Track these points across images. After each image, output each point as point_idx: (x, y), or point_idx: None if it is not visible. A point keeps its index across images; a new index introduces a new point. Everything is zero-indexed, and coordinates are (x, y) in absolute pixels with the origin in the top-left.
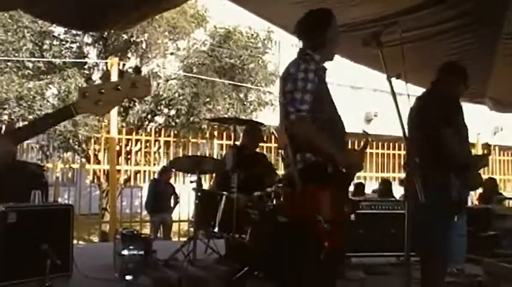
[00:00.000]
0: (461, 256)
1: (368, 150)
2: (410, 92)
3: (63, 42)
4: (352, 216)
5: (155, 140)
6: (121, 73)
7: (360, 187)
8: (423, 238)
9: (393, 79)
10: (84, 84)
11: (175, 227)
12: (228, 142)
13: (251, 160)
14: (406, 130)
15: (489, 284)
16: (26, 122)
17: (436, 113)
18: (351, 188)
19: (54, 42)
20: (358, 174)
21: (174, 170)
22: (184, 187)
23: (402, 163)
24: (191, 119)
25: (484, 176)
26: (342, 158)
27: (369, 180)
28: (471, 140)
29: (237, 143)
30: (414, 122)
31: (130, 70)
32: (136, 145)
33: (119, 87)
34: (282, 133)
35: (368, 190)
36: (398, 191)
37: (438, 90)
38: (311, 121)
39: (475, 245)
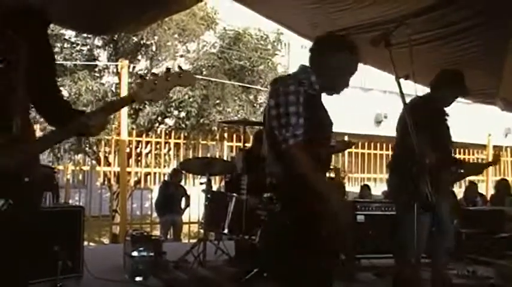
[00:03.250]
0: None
1: (378, 151)
2: (419, 93)
3: (74, 45)
4: (362, 217)
5: (165, 142)
6: (168, 69)
7: (366, 188)
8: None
9: (402, 80)
10: (95, 86)
11: (185, 228)
12: (238, 144)
13: (260, 162)
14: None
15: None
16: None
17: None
18: (357, 190)
19: (65, 45)
20: (368, 175)
21: (184, 171)
22: (194, 189)
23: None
24: (201, 121)
25: (496, 178)
26: (333, 204)
27: (379, 181)
28: (482, 141)
29: (247, 145)
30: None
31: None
32: (146, 147)
33: (169, 78)
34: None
35: (378, 191)
36: None
37: (418, 100)
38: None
39: (488, 248)
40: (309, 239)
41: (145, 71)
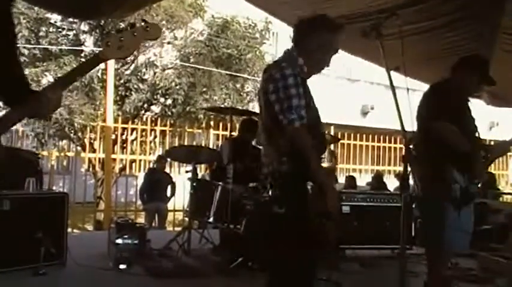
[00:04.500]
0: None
1: (364, 143)
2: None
3: (60, 30)
4: (347, 208)
5: (151, 130)
6: (132, 24)
7: (352, 180)
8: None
9: (392, 72)
10: None
11: (170, 216)
12: (224, 132)
13: (247, 151)
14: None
15: (483, 278)
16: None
17: (431, 105)
18: (343, 181)
19: (51, 29)
20: (354, 166)
21: (169, 159)
22: (180, 177)
23: (399, 156)
24: (187, 108)
25: None
26: (330, 192)
27: (364, 173)
28: None
29: (234, 133)
30: (417, 114)
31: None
32: (132, 134)
33: (135, 33)
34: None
35: (363, 182)
36: (392, 184)
37: (442, 83)
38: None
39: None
40: (303, 229)
41: (132, 57)
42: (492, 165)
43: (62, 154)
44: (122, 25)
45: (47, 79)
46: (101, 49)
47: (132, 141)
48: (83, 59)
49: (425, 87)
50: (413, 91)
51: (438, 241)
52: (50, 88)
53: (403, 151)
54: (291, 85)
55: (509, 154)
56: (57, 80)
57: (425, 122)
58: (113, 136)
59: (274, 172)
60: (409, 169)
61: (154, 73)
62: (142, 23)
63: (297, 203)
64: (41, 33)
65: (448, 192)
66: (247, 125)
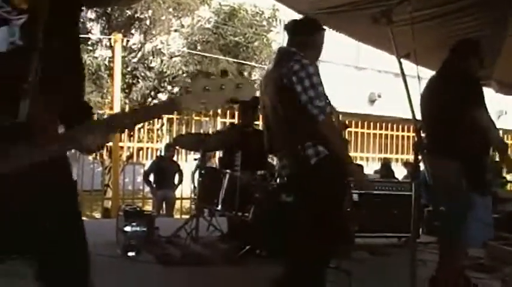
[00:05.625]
0: (478, 242)
1: (371, 131)
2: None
3: None
4: (356, 197)
5: (158, 117)
6: (224, 72)
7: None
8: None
9: (402, 59)
10: (88, 60)
11: (177, 204)
12: (232, 120)
13: (251, 137)
14: (420, 112)
15: (491, 267)
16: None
17: (465, 93)
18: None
19: None
20: (361, 154)
21: (177, 147)
22: (187, 165)
23: (406, 144)
24: None
25: None
26: (358, 174)
27: (371, 161)
28: None
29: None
30: (435, 103)
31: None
32: None
33: (223, 86)
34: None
35: (370, 170)
36: (400, 172)
37: (458, 70)
38: None
39: None
40: (337, 206)
41: (139, 45)
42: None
43: None
44: (213, 70)
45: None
46: (177, 96)
47: (139, 129)
48: (89, 47)
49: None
50: (424, 79)
51: (460, 232)
52: (100, 127)
53: (413, 139)
54: (313, 74)
55: None
56: (111, 120)
57: (454, 111)
58: None
59: (299, 157)
60: (419, 157)
61: (162, 61)
62: (235, 79)
63: (328, 184)
64: None
65: (480, 184)
66: (246, 111)
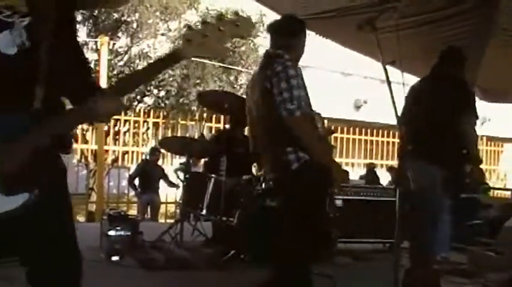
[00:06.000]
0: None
1: (356, 136)
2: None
3: None
4: (340, 202)
5: (144, 121)
6: (220, 16)
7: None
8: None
9: (387, 66)
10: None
11: (162, 208)
12: (218, 125)
13: (238, 142)
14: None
15: (473, 273)
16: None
17: (456, 99)
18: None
19: None
20: (346, 160)
21: (162, 150)
22: (172, 169)
23: (391, 150)
24: (181, 100)
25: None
26: (339, 173)
27: (357, 166)
28: None
29: (227, 126)
30: (423, 107)
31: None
32: (124, 125)
33: (221, 27)
34: (261, 132)
35: (355, 176)
36: (385, 178)
37: (449, 75)
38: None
39: (460, 234)
40: (317, 212)
41: (126, 49)
42: (484, 160)
43: None
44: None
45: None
46: (180, 46)
47: (125, 132)
48: None
49: None
50: (408, 86)
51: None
52: (110, 91)
53: (398, 145)
54: (292, 76)
55: (500, 149)
56: (120, 82)
57: (443, 115)
58: (106, 127)
59: (280, 163)
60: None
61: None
62: (233, 16)
63: (310, 189)
64: None
65: (458, 189)
66: (235, 116)
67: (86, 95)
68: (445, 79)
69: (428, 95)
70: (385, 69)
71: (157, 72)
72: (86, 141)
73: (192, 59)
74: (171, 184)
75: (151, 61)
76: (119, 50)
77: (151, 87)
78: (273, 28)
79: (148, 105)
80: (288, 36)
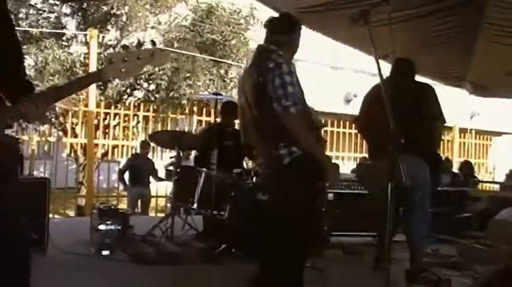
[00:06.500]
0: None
1: (347, 130)
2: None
3: (40, 12)
4: (331, 196)
5: (134, 115)
6: (139, 44)
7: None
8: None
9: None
10: (62, 56)
11: (152, 202)
12: (208, 118)
13: (229, 136)
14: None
15: (462, 265)
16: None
17: (436, 105)
18: None
19: (31, 11)
20: (337, 154)
21: (152, 144)
22: (162, 163)
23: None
24: (171, 94)
25: (460, 159)
26: (331, 169)
27: (347, 160)
28: (448, 123)
29: (218, 120)
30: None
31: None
32: (114, 119)
33: (139, 57)
34: (252, 128)
35: (347, 169)
36: None
37: (424, 83)
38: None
39: (450, 227)
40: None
41: (115, 42)
42: (473, 154)
43: (43, 139)
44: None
45: (28, 62)
46: (103, 66)
47: (115, 126)
48: (64, 43)
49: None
50: None
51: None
52: (41, 96)
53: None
54: (286, 73)
55: (488, 143)
56: (51, 91)
57: (431, 120)
58: (95, 121)
59: (272, 157)
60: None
61: None
62: (150, 47)
63: (301, 184)
64: (20, 15)
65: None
66: (226, 110)
67: (18, 93)
68: (429, 86)
69: (414, 97)
70: (378, 63)
71: (81, 88)
72: (75, 135)
73: (182, 51)
74: (159, 179)
75: (78, 77)
76: (109, 43)
77: (141, 81)
78: (271, 25)
79: (138, 99)
80: (284, 33)
